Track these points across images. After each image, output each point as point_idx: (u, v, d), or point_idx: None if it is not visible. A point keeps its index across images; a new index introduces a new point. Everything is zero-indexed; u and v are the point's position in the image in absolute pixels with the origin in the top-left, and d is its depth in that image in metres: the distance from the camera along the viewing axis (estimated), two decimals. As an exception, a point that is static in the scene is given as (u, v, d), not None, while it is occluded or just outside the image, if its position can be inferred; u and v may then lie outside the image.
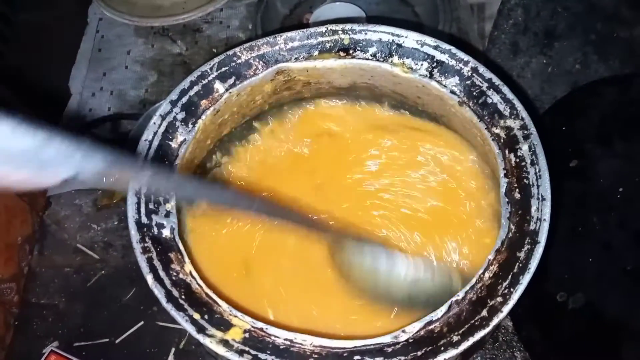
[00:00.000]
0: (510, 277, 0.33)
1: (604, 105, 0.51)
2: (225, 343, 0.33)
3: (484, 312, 0.33)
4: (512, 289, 0.33)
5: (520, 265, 0.34)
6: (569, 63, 0.59)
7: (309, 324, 0.40)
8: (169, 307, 0.34)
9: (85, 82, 0.79)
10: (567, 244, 0.49)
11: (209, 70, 0.43)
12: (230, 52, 0.43)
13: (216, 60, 0.43)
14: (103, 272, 0.61)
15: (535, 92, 0.61)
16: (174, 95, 0.42)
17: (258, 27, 0.74)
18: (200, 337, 0.33)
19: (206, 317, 0.34)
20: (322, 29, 0.44)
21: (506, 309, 0.32)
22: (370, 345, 0.32)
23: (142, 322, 0.57)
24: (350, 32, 0.44)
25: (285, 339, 0.33)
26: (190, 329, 0.33)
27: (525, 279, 0.33)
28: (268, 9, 0.77)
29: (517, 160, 0.38)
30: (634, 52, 0.54)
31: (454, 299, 0.33)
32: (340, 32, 0.44)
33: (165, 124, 0.41)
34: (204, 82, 0.43)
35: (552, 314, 0.49)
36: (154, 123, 0.41)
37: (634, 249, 0.45)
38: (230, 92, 0.43)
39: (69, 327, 0.58)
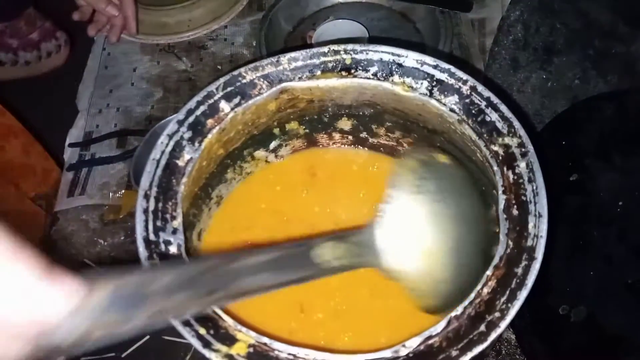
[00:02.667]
0: (508, 292, 0.34)
1: (603, 120, 0.52)
2: (230, 357, 0.33)
3: (482, 327, 0.33)
4: (509, 304, 0.33)
5: (518, 281, 0.34)
6: (568, 78, 0.60)
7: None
8: (175, 323, 0.34)
9: (92, 99, 0.80)
10: (569, 257, 0.50)
11: (214, 90, 0.44)
12: (236, 73, 0.44)
13: (222, 80, 0.44)
14: (109, 287, 0.62)
15: (535, 106, 0.62)
16: (181, 115, 0.43)
17: (262, 44, 0.75)
18: (206, 352, 0.33)
19: (212, 332, 0.34)
20: (325, 49, 0.45)
21: (504, 324, 0.33)
22: None
23: (147, 337, 0.58)
24: (352, 52, 0.45)
25: (289, 354, 0.34)
26: (196, 344, 0.34)
27: (523, 295, 0.33)
28: (272, 26, 0.78)
29: (515, 177, 0.38)
30: (631, 68, 0.54)
31: (453, 314, 0.34)
32: (342, 52, 0.45)
33: (172, 143, 0.42)
34: (210, 101, 0.44)
35: (555, 327, 0.49)
36: (162, 142, 0.42)
37: (634, 262, 0.46)
38: (235, 112, 0.44)
39: (75, 342, 0.59)
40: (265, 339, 0.34)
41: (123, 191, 0.69)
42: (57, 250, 0.65)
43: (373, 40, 0.74)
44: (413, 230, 0.38)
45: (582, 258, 0.49)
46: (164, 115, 0.77)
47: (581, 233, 0.50)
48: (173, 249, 0.38)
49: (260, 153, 0.52)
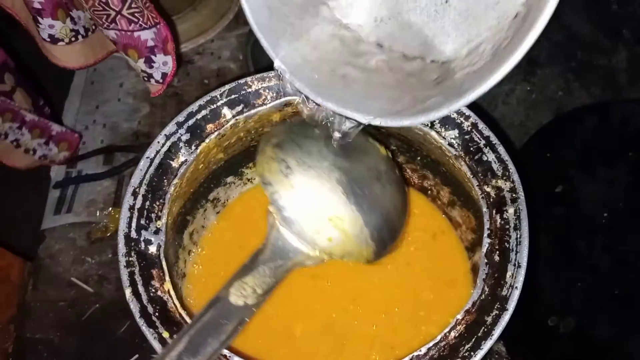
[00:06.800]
0: (473, 340, 0.33)
1: (586, 132, 0.52)
2: None
3: None
4: (472, 353, 0.33)
5: (486, 330, 0.33)
6: (551, 90, 0.61)
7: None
8: (141, 323, 0.35)
9: (78, 116, 0.79)
10: (556, 268, 0.50)
11: (218, 96, 0.44)
12: (242, 81, 0.44)
13: (227, 87, 0.44)
14: (97, 305, 0.62)
15: (520, 118, 0.63)
16: (180, 117, 0.43)
17: (249, 58, 0.76)
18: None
19: (175, 337, 0.35)
20: None
21: None
22: None
23: (136, 356, 0.57)
24: None
25: None
26: (157, 347, 0.34)
27: (487, 345, 0.33)
28: (258, 40, 0.79)
29: (502, 222, 0.38)
30: (613, 80, 0.55)
31: (415, 353, 0.33)
32: None
33: (169, 143, 0.42)
34: (212, 106, 0.44)
35: (544, 338, 0.49)
36: (158, 142, 0.42)
37: (620, 273, 0.46)
38: (237, 119, 0.44)
39: (63, 362, 0.58)
40: (226, 352, 0.34)
41: (110, 209, 0.69)
42: (43, 268, 0.65)
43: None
44: (308, 205, 0.38)
45: (569, 269, 0.49)
46: (150, 130, 0.77)
47: (567, 244, 0.50)
48: (152, 249, 0.39)
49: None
